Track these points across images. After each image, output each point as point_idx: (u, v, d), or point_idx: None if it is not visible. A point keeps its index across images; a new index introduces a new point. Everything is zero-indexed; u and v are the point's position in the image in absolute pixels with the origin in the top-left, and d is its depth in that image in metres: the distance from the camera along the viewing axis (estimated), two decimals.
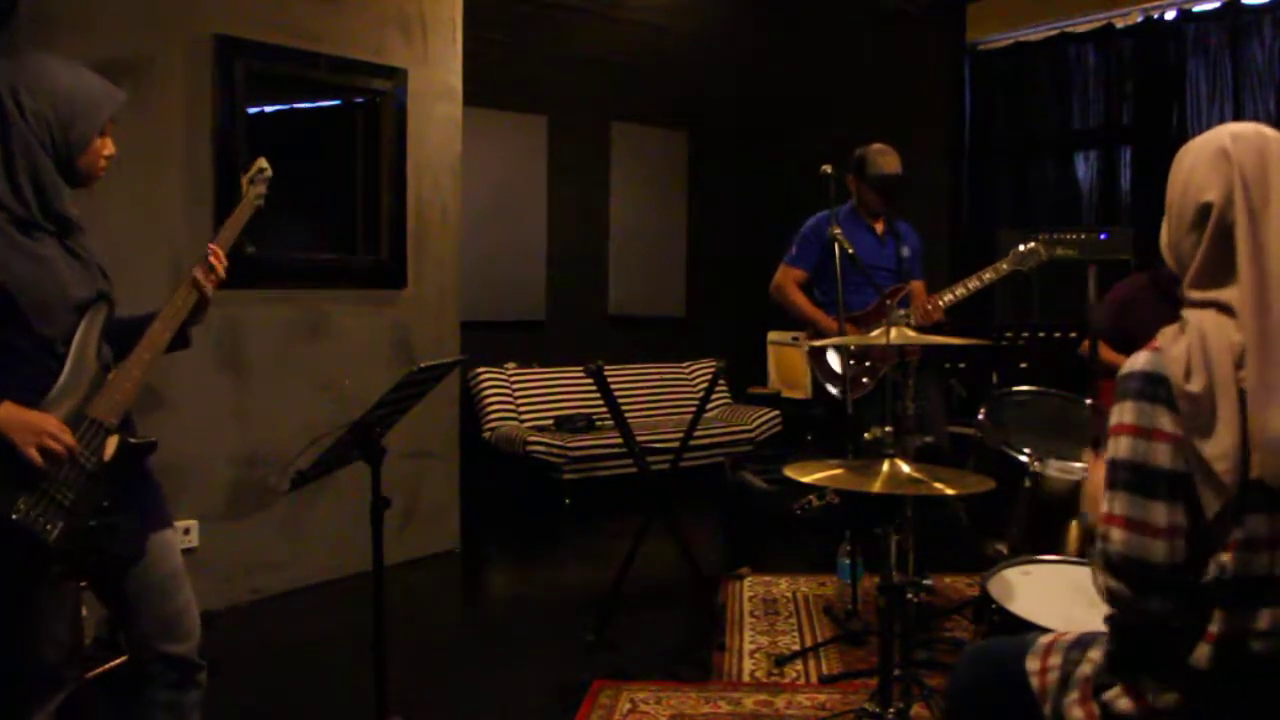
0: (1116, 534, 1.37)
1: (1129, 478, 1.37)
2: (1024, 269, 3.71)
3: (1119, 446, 1.39)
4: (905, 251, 4.01)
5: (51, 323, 1.87)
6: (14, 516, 1.74)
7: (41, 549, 1.78)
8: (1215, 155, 1.43)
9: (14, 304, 1.82)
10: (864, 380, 3.79)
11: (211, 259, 2.12)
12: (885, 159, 3.90)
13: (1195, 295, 1.42)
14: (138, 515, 2.01)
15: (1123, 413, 1.40)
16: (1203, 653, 1.36)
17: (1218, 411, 1.32)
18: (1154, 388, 1.37)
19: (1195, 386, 1.33)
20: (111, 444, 1.91)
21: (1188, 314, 1.41)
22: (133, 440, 1.96)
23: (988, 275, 3.71)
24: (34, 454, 1.76)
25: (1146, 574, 1.35)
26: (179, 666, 2.07)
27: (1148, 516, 1.35)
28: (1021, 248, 3.70)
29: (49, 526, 1.78)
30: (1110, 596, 1.39)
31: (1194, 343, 1.36)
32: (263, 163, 2.32)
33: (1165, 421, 1.36)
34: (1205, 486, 1.32)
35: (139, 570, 2.01)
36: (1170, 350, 1.37)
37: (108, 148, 1.98)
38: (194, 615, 2.11)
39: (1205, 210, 1.42)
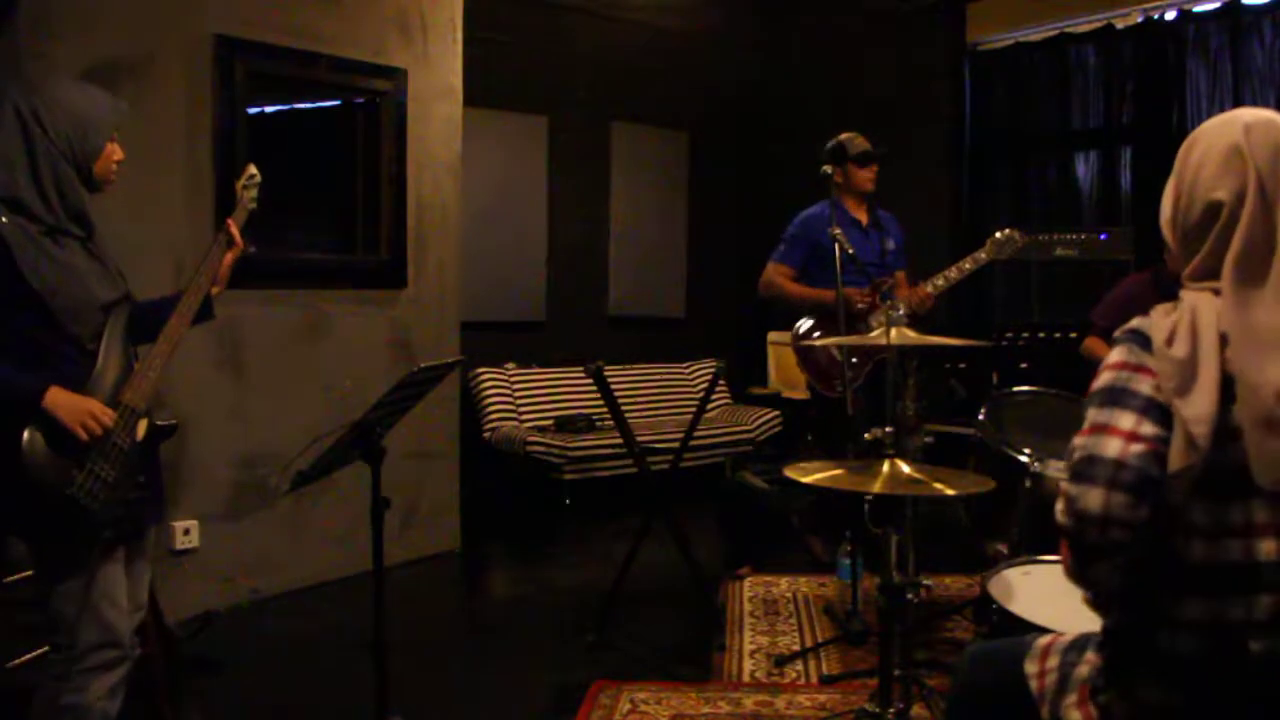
0: (1078, 441, 1.36)
1: (1102, 398, 1.36)
2: (1002, 257, 3.87)
3: (1101, 380, 1.39)
4: (890, 244, 4.10)
5: (80, 323, 2.11)
6: (69, 490, 2.01)
7: (91, 518, 2.05)
8: (1228, 152, 1.39)
9: (47, 308, 2.06)
10: (850, 374, 3.80)
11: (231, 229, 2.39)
12: (859, 139, 4.05)
13: (1193, 286, 1.42)
14: (157, 489, 2.32)
15: (1110, 356, 1.41)
16: (1186, 642, 1.35)
17: (1198, 376, 1.31)
18: (1143, 341, 1.38)
19: (1178, 352, 1.33)
20: (142, 426, 2.18)
21: (1184, 294, 1.41)
22: (160, 423, 2.24)
23: (968, 265, 3.85)
24: (80, 430, 2.03)
25: (1093, 468, 1.30)
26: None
27: (1110, 420, 1.33)
28: (999, 235, 3.86)
29: (99, 496, 2.05)
30: (1066, 505, 1.33)
31: (1184, 316, 1.36)
32: (253, 169, 2.56)
33: (1151, 364, 1.36)
34: (1179, 443, 1.30)
35: (141, 544, 2.30)
36: (1159, 321, 1.38)
37: (117, 153, 2.23)
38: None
39: (1214, 208, 1.39)
